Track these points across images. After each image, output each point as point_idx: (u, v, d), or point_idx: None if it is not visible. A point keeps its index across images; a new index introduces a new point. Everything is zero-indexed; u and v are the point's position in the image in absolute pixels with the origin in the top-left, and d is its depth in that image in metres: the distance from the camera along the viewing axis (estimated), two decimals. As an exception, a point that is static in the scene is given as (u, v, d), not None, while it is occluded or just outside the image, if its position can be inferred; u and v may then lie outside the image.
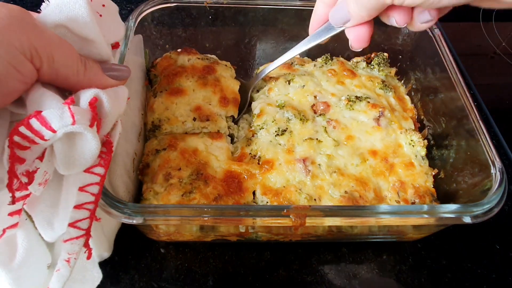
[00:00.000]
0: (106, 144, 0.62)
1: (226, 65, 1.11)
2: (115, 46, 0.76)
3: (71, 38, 0.59)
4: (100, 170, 0.60)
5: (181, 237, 0.90)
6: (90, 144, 0.56)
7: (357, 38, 0.70)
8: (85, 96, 0.58)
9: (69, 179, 0.61)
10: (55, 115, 0.52)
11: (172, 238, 0.90)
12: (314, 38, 0.81)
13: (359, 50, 0.73)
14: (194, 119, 0.96)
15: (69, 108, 0.53)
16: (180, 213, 0.70)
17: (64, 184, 0.63)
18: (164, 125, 0.97)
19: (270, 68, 1.03)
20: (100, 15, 0.67)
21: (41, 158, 0.55)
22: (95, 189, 0.61)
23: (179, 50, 1.11)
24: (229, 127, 1.06)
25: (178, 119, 0.97)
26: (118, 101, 0.64)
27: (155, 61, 1.10)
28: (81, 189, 0.59)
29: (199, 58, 1.09)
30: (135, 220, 0.69)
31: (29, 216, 0.65)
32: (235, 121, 1.07)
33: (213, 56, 1.14)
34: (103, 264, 0.87)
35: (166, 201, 0.85)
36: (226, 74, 1.08)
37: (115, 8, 0.72)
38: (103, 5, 0.68)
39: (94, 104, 0.58)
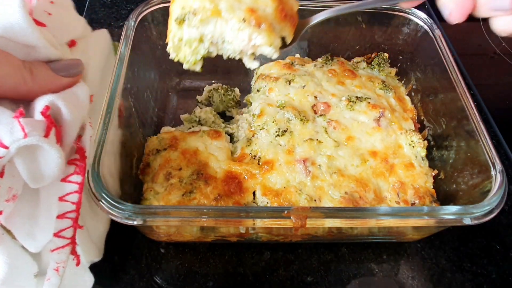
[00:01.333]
0: (78, 151, 0.60)
1: None
2: (71, 44, 0.72)
3: (13, 47, 0.57)
4: (77, 178, 0.60)
5: (181, 237, 0.90)
6: (51, 155, 0.54)
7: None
8: (38, 106, 0.55)
9: (48, 190, 0.60)
10: (4, 131, 0.50)
11: (172, 238, 0.90)
12: None
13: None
14: (244, 20, 0.75)
15: (19, 121, 0.51)
16: (180, 214, 0.70)
17: (42, 195, 0.61)
18: (197, 18, 0.76)
19: (328, 14, 0.87)
20: (49, 14, 0.64)
21: (0, 174, 0.53)
22: (75, 197, 0.60)
23: None
24: (228, 127, 1.07)
25: (220, 13, 0.75)
26: (79, 103, 0.61)
27: None
28: (60, 199, 0.59)
29: None
30: (135, 222, 0.69)
31: (7, 231, 0.63)
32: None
33: None
34: (103, 264, 0.88)
35: (166, 201, 0.85)
36: None
37: (69, 3, 0.68)
38: (52, 2, 0.65)
39: (47, 113, 0.55)
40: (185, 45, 0.80)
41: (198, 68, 0.82)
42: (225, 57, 0.82)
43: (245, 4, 0.76)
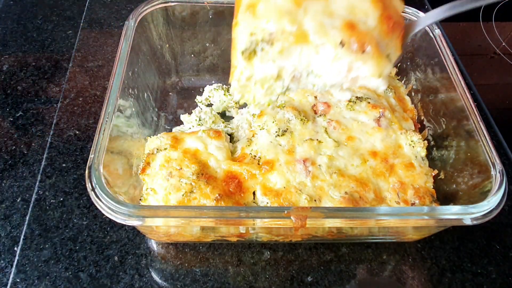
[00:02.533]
0: None
1: None
2: None
3: None
4: None
5: (182, 237, 0.90)
6: None
7: None
8: None
9: None
10: None
11: (172, 238, 0.90)
12: None
13: None
14: (342, 44, 0.55)
15: None
16: (180, 214, 0.70)
17: None
18: (275, 49, 0.57)
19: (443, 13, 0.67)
20: None
21: None
22: None
23: None
24: (228, 127, 1.07)
25: (307, 37, 0.56)
26: None
27: None
28: None
29: None
30: (136, 222, 0.69)
31: None
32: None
33: None
34: (103, 264, 0.88)
35: (166, 201, 0.85)
36: None
37: None
38: None
39: None
40: (256, 84, 0.60)
41: (270, 108, 0.64)
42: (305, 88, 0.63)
43: (340, 18, 0.55)
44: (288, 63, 0.57)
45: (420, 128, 1.08)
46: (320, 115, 1.02)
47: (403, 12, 0.66)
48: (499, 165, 0.79)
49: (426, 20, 0.69)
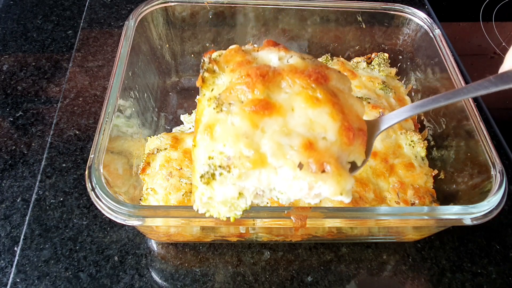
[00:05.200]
0: None
1: (338, 72, 0.67)
2: None
3: None
4: None
5: (182, 237, 0.90)
6: None
7: None
8: None
9: None
10: None
11: (172, 238, 0.90)
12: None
13: None
14: (300, 166, 0.54)
15: None
16: (180, 214, 0.70)
17: None
18: (234, 175, 0.56)
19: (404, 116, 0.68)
20: None
21: None
22: None
23: (255, 45, 0.70)
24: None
25: (265, 160, 0.55)
26: None
27: (211, 51, 0.68)
28: None
29: (299, 58, 0.64)
30: (135, 222, 0.69)
31: None
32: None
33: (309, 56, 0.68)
34: (103, 264, 0.88)
35: (166, 201, 0.85)
36: (343, 86, 0.65)
37: None
38: None
39: None
40: (218, 204, 0.60)
41: (238, 216, 0.61)
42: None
43: (298, 137, 0.54)
44: (248, 184, 0.56)
45: (420, 128, 1.08)
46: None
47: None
48: (499, 165, 0.79)
49: (389, 120, 0.68)
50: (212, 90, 0.63)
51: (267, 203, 0.86)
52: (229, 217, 0.61)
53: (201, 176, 0.57)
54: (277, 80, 0.59)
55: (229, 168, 0.55)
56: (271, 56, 0.64)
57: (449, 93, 0.64)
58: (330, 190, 0.53)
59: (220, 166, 0.55)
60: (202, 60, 0.65)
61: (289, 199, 0.58)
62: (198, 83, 0.64)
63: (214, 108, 0.58)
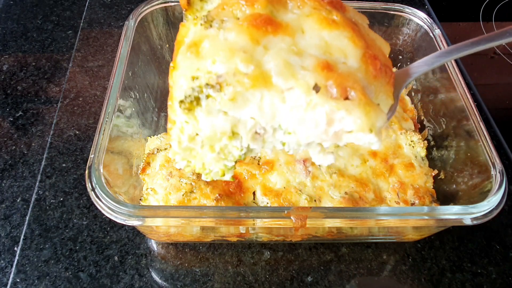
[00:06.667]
0: None
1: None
2: None
3: None
4: None
5: (182, 237, 0.90)
6: None
7: None
8: None
9: None
10: None
11: (172, 238, 0.90)
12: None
13: None
14: (316, 89, 0.41)
15: None
16: (180, 214, 0.70)
17: None
18: (226, 94, 0.42)
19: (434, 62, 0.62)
20: None
21: None
22: None
23: None
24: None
25: (269, 79, 0.41)
26: None
27: None
28: None
29: None
30: (135, 222, 0.69)
31: None
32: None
33: None
34: (103, 264, 0.88)
35: (166, 201, 0.85)
36: (362, 22, 0.55)
37: None
38: None
39: None
40: (203, 147, 0.46)
41: (228, 177, 0.50)
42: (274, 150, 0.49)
43: (311, 57, 0.40)
44: (245, 114, 0.42)
45: (420, 128, 1.08)
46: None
47: (387, 48, 0.54)
48: (499, 165, 0.79)
49: (419, 67, 0.60)
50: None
51: (267, 203, 0.86)
52: (217, 172, 0.46)
53: (182, 102, 0.44)
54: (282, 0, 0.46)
55: (220, 87, 0.41)
56: None
57: (490, 35, 0.60)
58: (356, 124, 0.39)
59: (208, 84, 0.41)
60: None
61: (298, 144, 0.44)
62: (182, 3, 0.50)
63: (201, 25, 0.45)
